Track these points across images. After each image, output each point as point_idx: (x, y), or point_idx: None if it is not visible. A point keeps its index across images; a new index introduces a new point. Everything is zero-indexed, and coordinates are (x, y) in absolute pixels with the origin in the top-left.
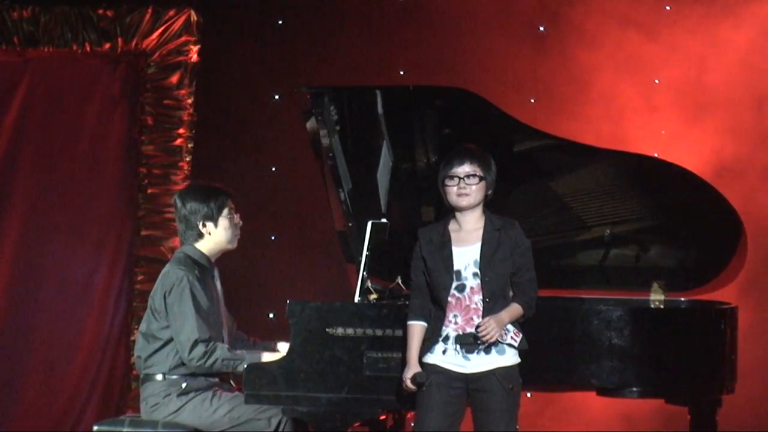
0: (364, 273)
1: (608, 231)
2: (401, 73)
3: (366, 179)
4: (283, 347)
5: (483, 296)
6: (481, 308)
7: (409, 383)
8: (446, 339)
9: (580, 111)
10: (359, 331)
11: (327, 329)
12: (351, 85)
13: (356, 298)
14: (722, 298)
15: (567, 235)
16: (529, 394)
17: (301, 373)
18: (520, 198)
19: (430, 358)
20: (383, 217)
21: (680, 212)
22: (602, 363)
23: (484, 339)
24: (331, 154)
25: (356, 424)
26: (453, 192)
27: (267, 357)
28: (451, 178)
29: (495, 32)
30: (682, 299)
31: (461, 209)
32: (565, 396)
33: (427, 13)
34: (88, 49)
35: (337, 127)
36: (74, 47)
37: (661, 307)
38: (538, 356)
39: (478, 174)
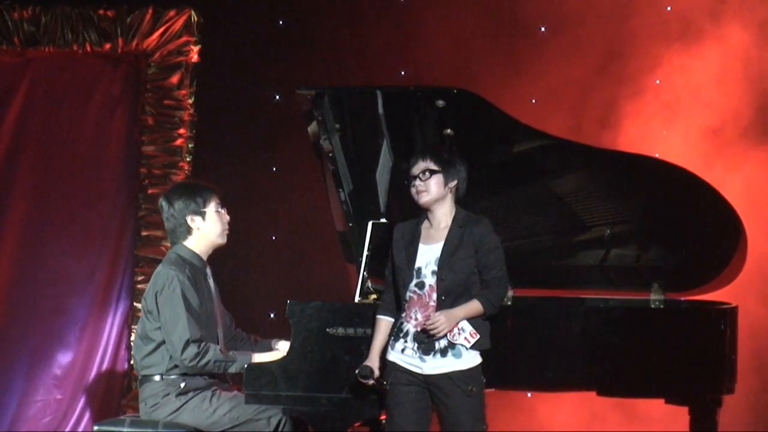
0: (364, 273)
1: (608, 231)
2: (401, 73)
3: (366, 180)
4: (283, 346)
5: (438, 294)
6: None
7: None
8: (406, 334)
9: (580, 111)
10: (359, 331)
11: (327, 329)
12: (351, 85)
13: (356, 298)
14: (722, 298)
15: (567, 235)
16: (529, 394)
17: (302, 373)
18: (521, 198)
19: (391, 355)
20: (383, 218)
21: (680, 212)
22: (602, 363)
23: (431, 333)
24: (331, 155)
25: (356, 424)
26: (414, 192)
27: (258, 358)
28: (412, 179)
29: (495, 32)
30: (682, 299)
31: (424, 206)
32: (565, 395)
33: (426, 13)
34: (88, 49)
35: (337, 128)
36: (75, 47)
37: (661, 307)
38: (537, 356)
39: (430, 168)
